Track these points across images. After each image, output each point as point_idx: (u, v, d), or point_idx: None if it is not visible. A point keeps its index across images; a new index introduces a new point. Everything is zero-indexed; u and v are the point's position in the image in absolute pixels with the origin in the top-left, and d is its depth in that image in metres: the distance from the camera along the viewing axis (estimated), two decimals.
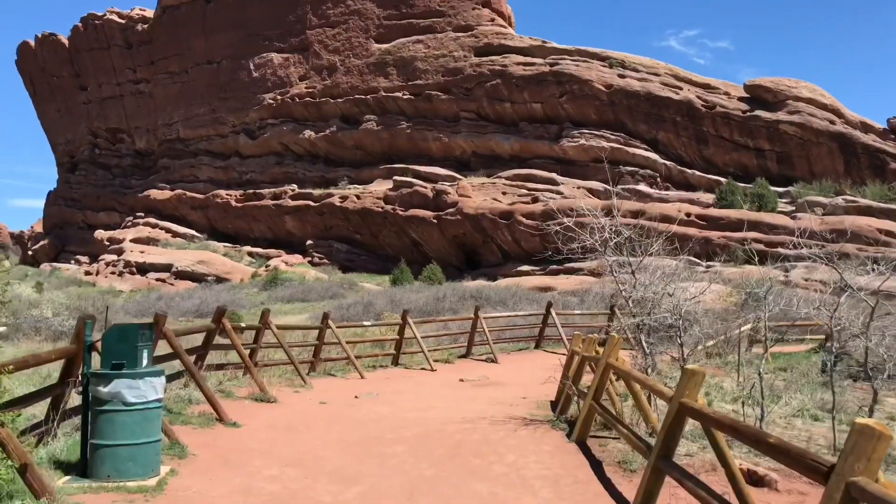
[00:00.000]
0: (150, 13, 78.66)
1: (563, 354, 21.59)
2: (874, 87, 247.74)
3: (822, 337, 22.08)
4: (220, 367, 12.93)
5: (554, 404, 11.87)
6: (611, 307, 22.16)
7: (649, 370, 9.23)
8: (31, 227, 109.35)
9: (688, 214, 44.65)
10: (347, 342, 16.86)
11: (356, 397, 12.81)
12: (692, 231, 42.20)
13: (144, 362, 6.75)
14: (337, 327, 16.53)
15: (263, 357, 15.38)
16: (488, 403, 12.24)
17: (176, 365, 10.49)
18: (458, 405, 12.07)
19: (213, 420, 9.61)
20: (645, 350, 9.38)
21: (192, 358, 11.97)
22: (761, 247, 39.39)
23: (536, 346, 23.35)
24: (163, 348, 9.99)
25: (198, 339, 12.94)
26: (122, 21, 79.04)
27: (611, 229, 10.25)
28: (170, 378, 10.69)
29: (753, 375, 14.39)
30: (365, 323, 18.16)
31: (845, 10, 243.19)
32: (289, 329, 17.06)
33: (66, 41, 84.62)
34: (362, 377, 15.95)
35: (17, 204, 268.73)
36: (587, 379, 10.39)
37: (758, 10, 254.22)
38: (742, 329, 16.40)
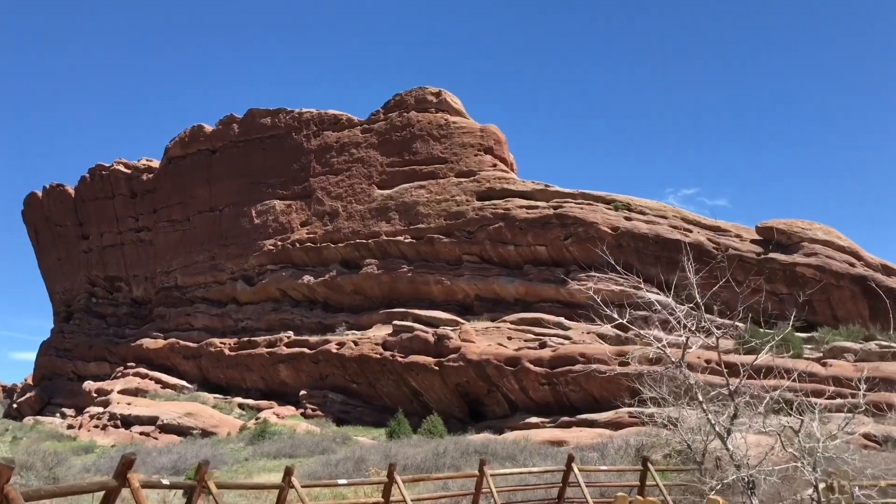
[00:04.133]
0: (156, 163, 79.73)
1: None
2: (877, 234, 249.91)
3: None
4: None
5: None
6: (643, 461, 18.67)
7: None
8: (25, 380, 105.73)
9: (707, 361, 41.66)
10: None
11: None
12: (715, 378, 38.91)
13: None
14: (303, 486, 13.19)
15: None
16: None
17: None
18: None
19: None
20: None
21: None
22: (791, 395, 36.06)
23: None
24: None
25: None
26: (128, 171, 80.00)
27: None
28: None
29: None
30: (340, 481, 14.85)
31: (843, 166, 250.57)
32: (234, 489, 13.68)
33: (72, 191, 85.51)
34: None
35: (17, 357, 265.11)
36: None
37: (753, 171, 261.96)
38: (818, 488, 13.06)
